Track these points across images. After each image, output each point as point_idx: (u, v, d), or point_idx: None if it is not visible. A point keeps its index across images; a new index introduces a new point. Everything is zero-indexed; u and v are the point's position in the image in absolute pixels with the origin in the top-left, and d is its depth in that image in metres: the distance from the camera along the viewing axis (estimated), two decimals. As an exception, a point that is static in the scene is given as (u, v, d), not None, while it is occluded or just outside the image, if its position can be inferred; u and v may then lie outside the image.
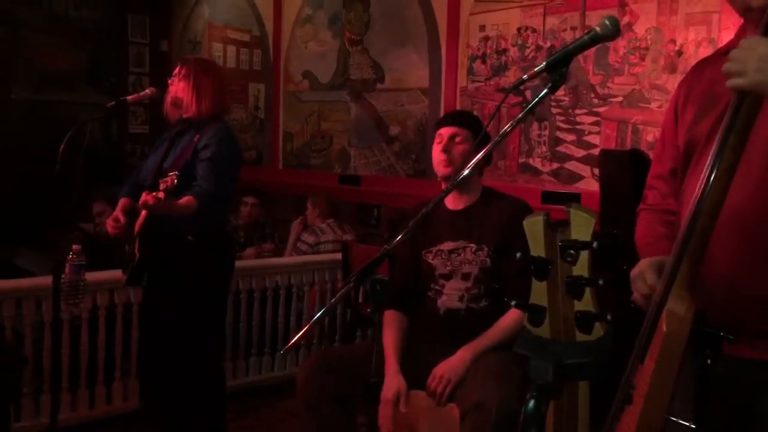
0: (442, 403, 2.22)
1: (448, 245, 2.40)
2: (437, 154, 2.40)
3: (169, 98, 2.84)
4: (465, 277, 2.37)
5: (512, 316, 2.29)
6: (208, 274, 2.79)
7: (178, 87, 2.79)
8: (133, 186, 2.91)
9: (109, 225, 2.79)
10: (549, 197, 3.91)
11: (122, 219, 2.77)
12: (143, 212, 2.67)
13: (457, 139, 2.38)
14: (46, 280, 2.70)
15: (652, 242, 1.55)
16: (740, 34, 1.50)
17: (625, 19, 3.55)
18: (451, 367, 2.22)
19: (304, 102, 5.57)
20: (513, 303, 1.25)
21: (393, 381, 2.29)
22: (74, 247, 2.56)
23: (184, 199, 2.61)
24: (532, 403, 0.96)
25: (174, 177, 2.45)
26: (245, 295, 3.89)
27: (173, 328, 2.79)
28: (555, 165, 3.94)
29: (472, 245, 2.37)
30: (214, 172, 2.67)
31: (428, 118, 4.57)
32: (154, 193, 2.42)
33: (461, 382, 2.21)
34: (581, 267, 1.03)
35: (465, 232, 2.38)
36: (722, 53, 1.53)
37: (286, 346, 1.48)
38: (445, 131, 2.40)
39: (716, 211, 1.21)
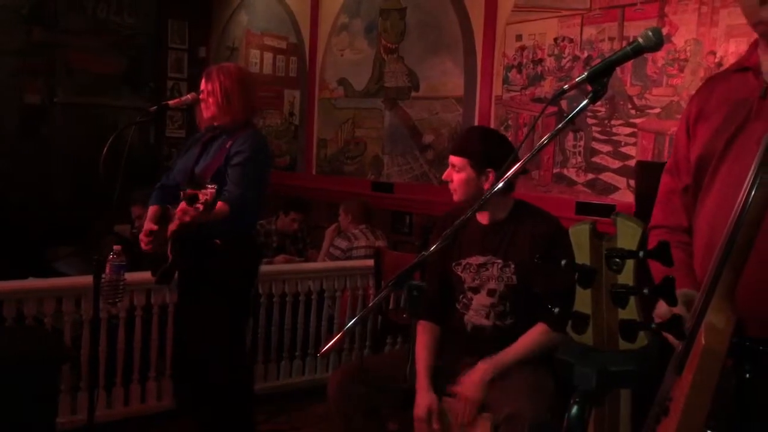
0: (465, 423, 2.23)
1: (476, 259, 2.41)
2: None
3: (200, 108, 2.87)
4: (491, 293, 2.37)
5: (537, 330, 2.28)
6: (234, 277, 2.81)
7: (207, 100, 2.82)
8: (163, 191, 2.96)
9: (143, 241, 2.79)
10: (583, 208, 3.88)
11: (154, 229, 2.78)
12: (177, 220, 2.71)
13: (456, 168, 2.39)
14: (87, 279, 2.75)
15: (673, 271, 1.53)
16: (752, 49, 1.50)
17: (665, 31, 3.52)
18: (471, 384, 2.23)
19: (338, 109, 5.62)
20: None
21: (424, 398, 2.30)
22: (115, 247, 2.60)
23: (218, 205, 2.65)
24: (575, 409, 0.97)
25: (213, 190, 2.47)
26: (278, 299, 3.93)
27: (200, 330, 2.83)
28: (590, 176, 3.91)
29: (498, 261, 2.36)
30: (245, 177, 2.71)
31: (462, 126, 4.57)
32: (194, 206, 2.45)
33: (493, 392, 2.21)
34: (626, 276, 1.04)
35: (493, 247, 2.38)
36: (733, 70, 1.54)
37: (323, 350, 1.48)
38: (449, 159, 2.44)
39: (759, 221, 1.21)
